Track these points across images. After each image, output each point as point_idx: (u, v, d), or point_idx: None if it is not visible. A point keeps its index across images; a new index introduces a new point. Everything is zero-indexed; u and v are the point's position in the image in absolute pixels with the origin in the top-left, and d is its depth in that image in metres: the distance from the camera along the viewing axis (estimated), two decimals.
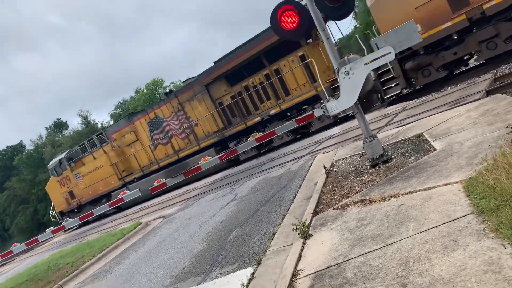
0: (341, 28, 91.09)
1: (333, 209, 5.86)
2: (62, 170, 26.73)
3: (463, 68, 15.23)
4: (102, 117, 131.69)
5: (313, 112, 7.36)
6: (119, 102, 74.29)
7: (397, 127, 9.99)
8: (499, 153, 4.37)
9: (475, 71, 13.89)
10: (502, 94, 8.62)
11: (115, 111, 73.28)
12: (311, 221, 5.77)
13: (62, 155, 27.10)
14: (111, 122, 63.66)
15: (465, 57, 14.18)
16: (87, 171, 25.42)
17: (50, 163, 28.19)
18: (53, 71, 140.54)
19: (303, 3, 7.39)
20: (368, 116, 14.24)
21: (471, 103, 8.70)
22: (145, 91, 67.39)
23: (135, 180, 23.60)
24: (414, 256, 3.47)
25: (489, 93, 9.44)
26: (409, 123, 9.80)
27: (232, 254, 6.41)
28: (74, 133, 67.39)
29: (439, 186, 4.71)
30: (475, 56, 14.38)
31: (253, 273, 5.17)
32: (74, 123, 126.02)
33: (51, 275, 10.91)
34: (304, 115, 7.56)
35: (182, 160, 21.16)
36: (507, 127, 4.80)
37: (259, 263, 5.35)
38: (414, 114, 10.84)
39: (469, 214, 3.70)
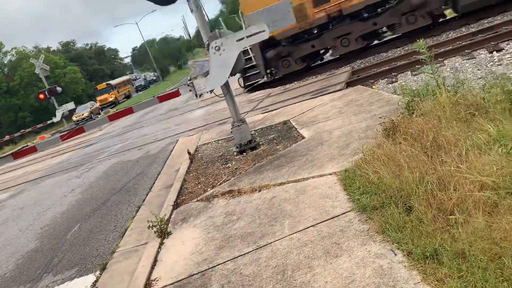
0: (206, 12, 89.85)
1: (197, 200, 5.14)
2: None
3: (318, 62, 15.86)
4: None
5: (178, 89, 6.48)
6: None
7: (263, 113, 9.73)
8: (374, 144, 4.16)
9: (332, 64, 14.51)
10: (363, 86, 8.95)
11: None
12: (170, 215, 4.95)
13: None
14: None
15: (322, 51, 14.82)
16: None
17: None
18: None
19: None
20: None
21: (334, 93, 8.84)
22: None
23: None
24: (292, 263, 2.94)
25: (349, 84, 9.77)
26: (275, 109, 9.62)
27: (71, 256, 5.22)
28: None
29: (313, 177, 4.34)
30: (331, 51, 15.11)
31: (95, 281, 4.16)
32: None
33: None
34: (168, 92, 6.64)
35: None
36: (380, 117, 4.68)
37: (103, 268, 4.35)
38: (279, 101, 10.75)
39: (349, 211, 3.34)
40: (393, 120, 4.32)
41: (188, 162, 7.17)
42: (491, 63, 7.44)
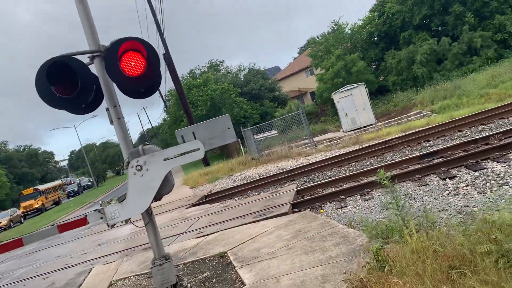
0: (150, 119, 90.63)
1: None
2: None
3: None
4: None
5: (85, 216, 5.10)
6: None
7: (197, 237, 8.38)
8: None
9: (276, 178, 13.68)
10: (308, 210, 8.02)
11: None
12: None
13: None
14: None
15: None
16: None
17: None
18: None
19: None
20: (165, 217, 12.44)
21: (279, 217, 7.78)
22: None
23: None
24: None
25: (294, 206, 8.84)
26: (212, 233, 8.31)
27: None
28: None
29: None
30: None
31: None
32: None
33: None
34: (72, 220, 5.23)
35: None
36: (345, 273, 3.57)
37: None
38: (217, 221, 9.49)
39: None
40: (362, 278, 3.21)
41: None
42: (447, 191, 6.86)
